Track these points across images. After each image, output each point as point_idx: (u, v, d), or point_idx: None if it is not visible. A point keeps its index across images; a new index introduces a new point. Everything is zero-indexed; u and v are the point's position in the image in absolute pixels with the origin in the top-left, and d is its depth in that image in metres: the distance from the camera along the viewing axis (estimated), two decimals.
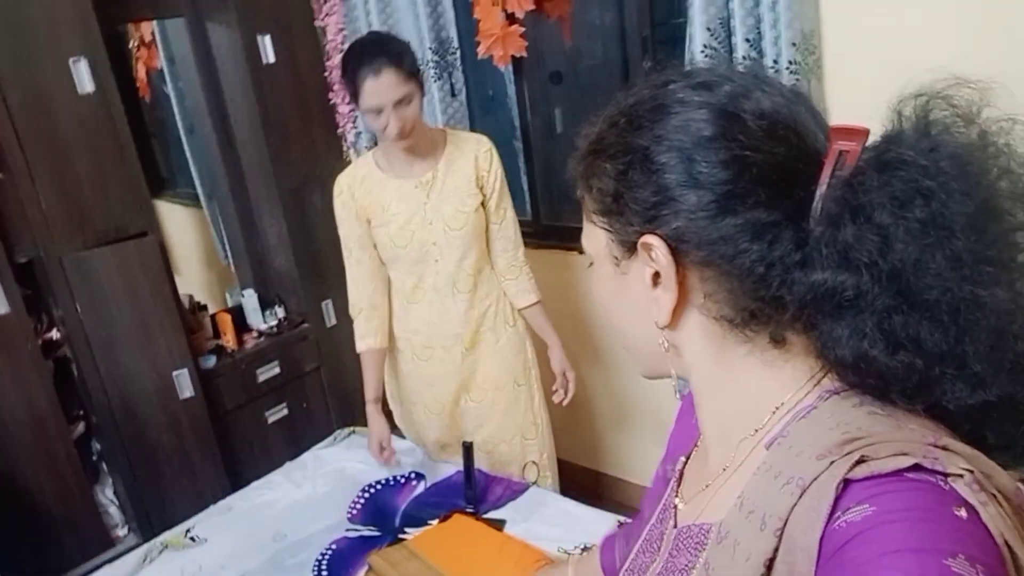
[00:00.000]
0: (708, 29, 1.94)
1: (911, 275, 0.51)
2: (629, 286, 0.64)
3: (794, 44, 1.81)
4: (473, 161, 2.07)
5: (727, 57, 1.95)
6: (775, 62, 1.85)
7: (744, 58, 1.91)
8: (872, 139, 0.55)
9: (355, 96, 1.91)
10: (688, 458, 0.77)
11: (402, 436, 2.34)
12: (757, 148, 0.55)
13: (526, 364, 2.26)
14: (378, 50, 1.89)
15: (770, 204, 0.55)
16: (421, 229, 2.03)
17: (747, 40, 1.88)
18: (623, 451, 2.93)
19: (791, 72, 1.83)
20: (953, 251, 0.50)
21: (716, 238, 0.56)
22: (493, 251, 2.16)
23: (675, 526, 0.70)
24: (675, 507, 0.73)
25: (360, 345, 2.19)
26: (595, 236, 0.66)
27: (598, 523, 1.80)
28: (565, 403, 2.24)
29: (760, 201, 0.55)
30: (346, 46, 2.88)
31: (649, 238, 0.59)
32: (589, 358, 2.81)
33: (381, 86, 1.84)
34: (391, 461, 2.11)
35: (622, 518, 1.74)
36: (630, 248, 0.62)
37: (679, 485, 0.75)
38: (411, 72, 1.90)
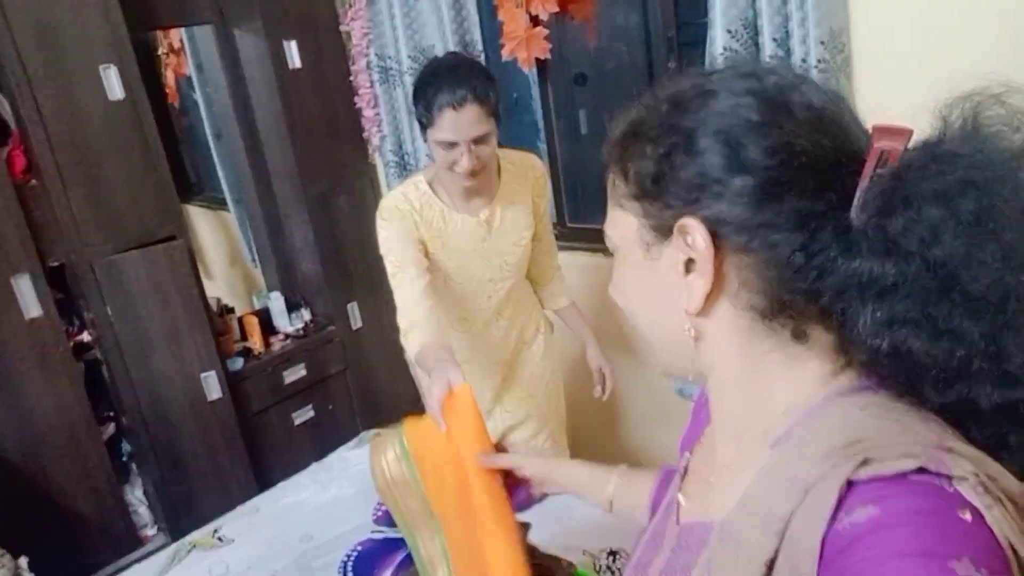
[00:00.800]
0: (729, 31, 1.92)
1: (958, 265, 0.50)
2: (658, 272, 0.62)
3: (823, 42, 1.79)
4: (530, 189, 1.97)
5: (754, 55, 1.93)
6: (803, 60, 1.83)
7: (771, 57, 1.89)
8: (914, 141, 0.55)
9: (426, 123, 1.72)
10: (692, 454, 0.77)
11: None
12: (804, 137, 0.55)
13: (553, 368, 2.26)
14: (463, 79, 1.67)
15: (814, 194, 0.54)
16: (479, 267, 1.93)
17: (774, 39, 1.86)
18: (650, 451, 2.91)
19: (820, 70, 1.81)
20: (1003, 243, 0.49)
21: (758, 224, 0.55)
22: (531, 263, 2.08)
23: (677, 522, 0.70)
24: (678, 503, 0.72)
25: (421, 342, 1.71)
26: (624, 222, 0.65)
27: (623, 527, 1.78)
28: (604, 398, 2.20)
29: (805, 190, 0.54)
30: (372, 51, 2.91)
31: (688, 220, 0.58)
32: (616, 359, 2.79)
33: (462, 121, 1.66)
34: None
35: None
36: (664, 233, 0.61)
37: (683, 480, 0.75)
38: (494, 110, 1.72)
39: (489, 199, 1.90)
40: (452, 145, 1.70)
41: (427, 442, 1.18)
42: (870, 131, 0.56)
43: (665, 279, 0.62)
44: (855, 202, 0.54)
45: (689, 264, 0.59)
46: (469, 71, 1.72)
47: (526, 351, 2.18)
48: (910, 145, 0.54)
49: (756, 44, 1.92)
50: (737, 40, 1.93)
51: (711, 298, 0.60)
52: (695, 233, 0.57)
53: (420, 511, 1.16)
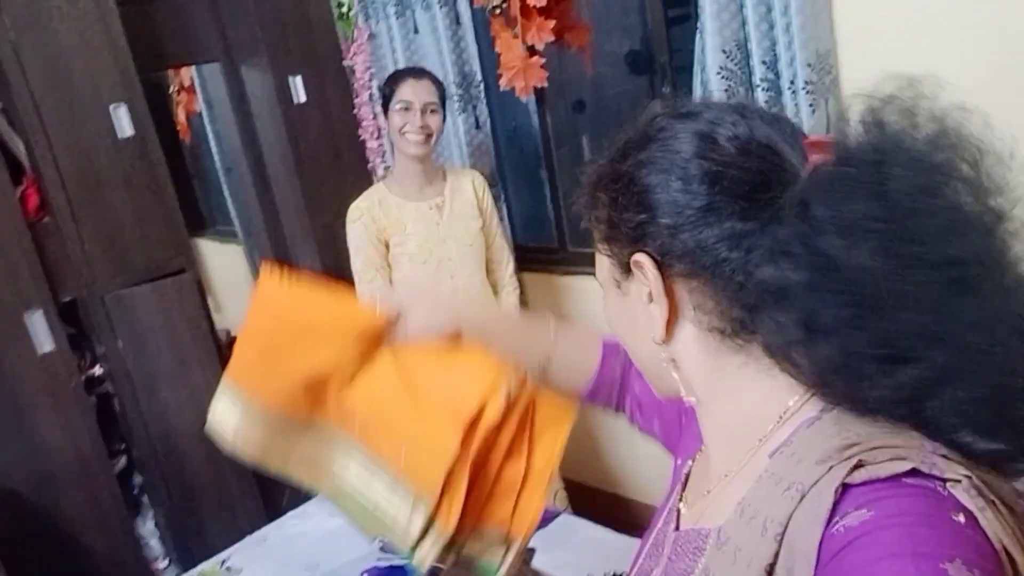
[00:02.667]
0: (722, 61, 1.96)
1: (837, 266, 0.52)
2: (631, 307, 0.67)
3: (809, 64, 1.82)
4: (472, 188, 2.42)
5: (745, 80, 1.96)
6: (791, 83, 1.86)
7: (762, 80, 1.91)
8: None
9: (389, 97, 2.22)
10: (693, 461, 0.78)
11: None
12: (729, 164, 0.58)
13: None
14: (422, 70, 2.31)
15: (745, 215, 0.57)
16: (437, 247, 2.30)
17: (763, 62, 1.89)
18: (637, 472, 2.90)
19: (807, 92, 1.83)
20: (879, 243, 0.51)
21: (696, 249, 0.59)
22: (488, 266, 2.47)
23: (676, 529, 0.71)
24: (678, 511, 0.73)
25: None
26: (601, 263, 0.70)
27: (626, 550, 1.77)
28: None
29: (735, 212, 0.58)
30: (375, 84, 2.98)
31: (638, 256, 0.63)
32: None
33: (419, 87, 2.22)
34: None
35: None
36: (627, 269, 0.65)
37: (683, 489, 0.76)
38: (443, 96, 2.28)
39: (439, 191, 2.37)
40: (408, 106, 2.20)
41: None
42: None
43: (636, 312, 0.67)
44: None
45: (651, 295, 0.63)
46: (428, 70, 2.36)
47: None
48: None
49: (748, 67, 1.95)
50: (732, 59, 1.96)
51: (672, 324, 0.64)
52: (644, 266, 0.62)
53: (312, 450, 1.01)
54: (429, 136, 2.24)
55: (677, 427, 0.89)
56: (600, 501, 2.90)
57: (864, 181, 0.53)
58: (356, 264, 2.33)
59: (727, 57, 1.95)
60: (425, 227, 2.30)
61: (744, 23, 1.93)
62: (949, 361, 0.51)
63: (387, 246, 2.30)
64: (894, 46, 1.80)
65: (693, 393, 0.68)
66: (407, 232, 2.29)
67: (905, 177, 0.52)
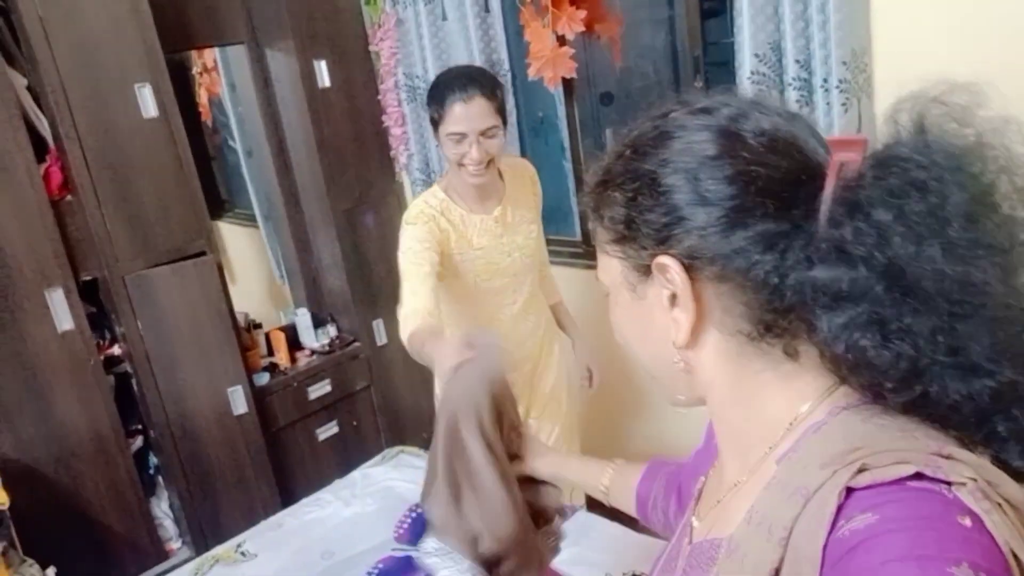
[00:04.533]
0: (756, 55, 1.92)
1: (906, 266, 0.52)
2: (647, 310, 0.65)
3: (844, 63, 1.78)
4: (531, 187, 2.14)
5: (777, 80, 1.93)
6: (825, 80, 1.82)
7: (794, 79, 1.88)
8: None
9: (438, 120, 1.87)
10: (707, 477, 0.78)
11: None
12: (760, 163, 0.57)
13: (570, 372, 2.30)
14: (471, 79, 1.87)
15: (778, 215, 0.56)
16: (503, 262, 2.04)
17: (797, 61, 1.86)
18: (662, 445, 2.89)
19: (841, 91, 1.80)
20: (948, 240, 0.51)
21: (728, 252, 0.57)
22: None
23: (690, 543, 0.71)
24: (691, 525, 0.73)
25: (417, 325, 1.74)
26: (609, 266, 0.68)
27: (644, 549, 1.76)
28: (591, 391, 2.29)
29: (768, 213, 0.56)
30: (400, 71, 2.95)
31: (663, 259, 0.60)
32: (631, 379, 2.77)
33: (471, 112, 1.83)
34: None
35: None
36: (645, 272, 0.63)
37: (697, 504, 0.76)
38: (501, 107, 1.89)
39: (499, 200, 2.05)
40: (462, 138, 1.85)
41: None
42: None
43: (653, 316, 0.64)
44: (820, 218, 0.55)
45: (673, 299, 0.62)
46: (477, 73, 1.95)
47: (551, 349, 2.24)
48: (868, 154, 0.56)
49: (781, 65, 1.92)
50: (764, 63, 1.93)
51: (697, 328, 0.62)
52: (671, 269, 0.60)
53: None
54: (490, 163, 1.90)
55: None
56: None
57: (922, 181, 0.52)
58: (404, 262, 1.88)
59: (760, 60, 1.93)
60: (490, 242, 2.01)
61: (780, 21, 1.89)
62: (1017, 379, 0.52)
63: (444, 256, 1.95)
64: (929, 45, 1.76)
65: (708, 400, 0.67)
66: (474, 248, 2.00)
67: (959, 183, 0.51)
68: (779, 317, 0.58)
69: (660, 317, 0.63)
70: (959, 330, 0.51)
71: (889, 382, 0.54)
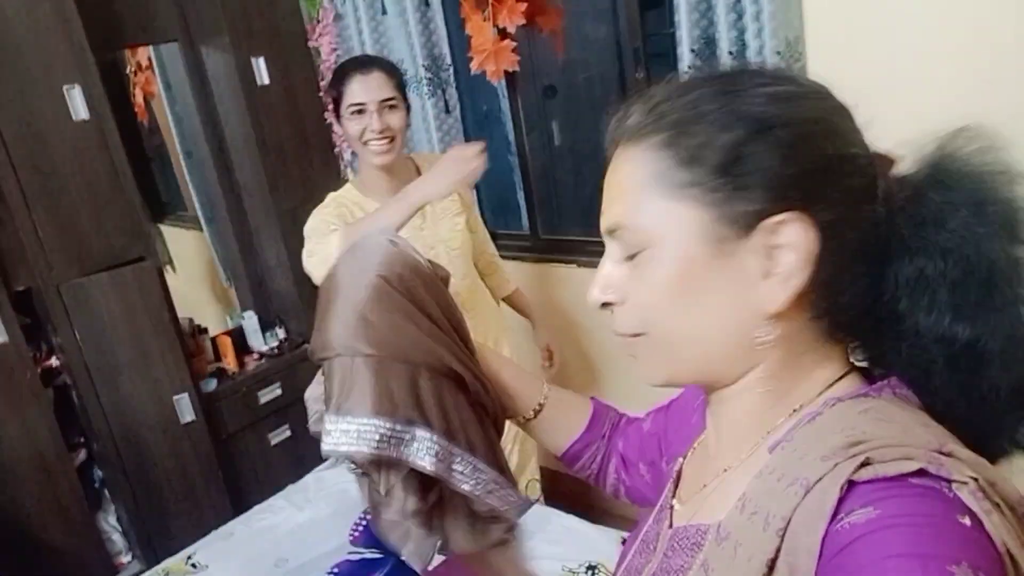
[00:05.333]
0: (692, 51, 1.95)
1: (984, 260, 0.54)
2: (726, 271, 0.57)
3: (778, 52, 1.81)
4: None
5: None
6: None
7: None
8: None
9: (338, 100, 1.87)
10: (684, 458, 0.76)
11: None
12: (859, 144, 0.59)
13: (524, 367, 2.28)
14: (370, 59, 1.96)
15: (875, 197, 0.58)
16: (425, 253, 1.95)
17: (730, 52, 1.88)
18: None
19: None
20: (1007, 237, 0.54)
21: (873, 223, 0.57)
22: (476, 257, 2.19)
23: (671, 526, 0.70)
24: (671, 508, 0.72)
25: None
26: (675, 213, 0.57)
27: (601, 541, 1.77)
28: (553, 371, 2.28)
29: (875, 192, 0.58)
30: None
31: (790, 216, 0.54)
32: (586, 372, 2.79)
33: (369, 83, 1.85)
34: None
35: (626, 535, 1.72)
36: (743, 226, 0.56)
37: (676, 486, 0.74)
38: (400, 84, 1.91)
39: None
40: (362, 110, 1.85)
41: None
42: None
43: (734, 278, 0.57)
44: (897, 207, 0.57)
45: (779, 262, 0.56)
46: (377, 57, 2.04)
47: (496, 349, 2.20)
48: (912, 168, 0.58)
49: (715, 58, 1.94)
50: (700, 57, 1.95)
51: (794, 300, 0.56)
52: (798, 230, 0.55)
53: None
54: (393, 139, 1.87)
55: (659, 454, 0.86)
56: (574, 490, 2.90)
57: (976, 177, 0.55)
58: (309, 244, 1.92)
59: (695, 56, 1.95)
60: (408, 234, 1.83)
61: (713, 12, 1.92)
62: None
63: None
64: (863, 33, 1.79)
65: (736, 379, 0.62)
66: None
67: (997, 188, 0.55)
68: (869, 303, 0.58)
69: (743, 280, 0.56)
70: (1007, 311, 0.54)
71: (964, 369, 0.56)
